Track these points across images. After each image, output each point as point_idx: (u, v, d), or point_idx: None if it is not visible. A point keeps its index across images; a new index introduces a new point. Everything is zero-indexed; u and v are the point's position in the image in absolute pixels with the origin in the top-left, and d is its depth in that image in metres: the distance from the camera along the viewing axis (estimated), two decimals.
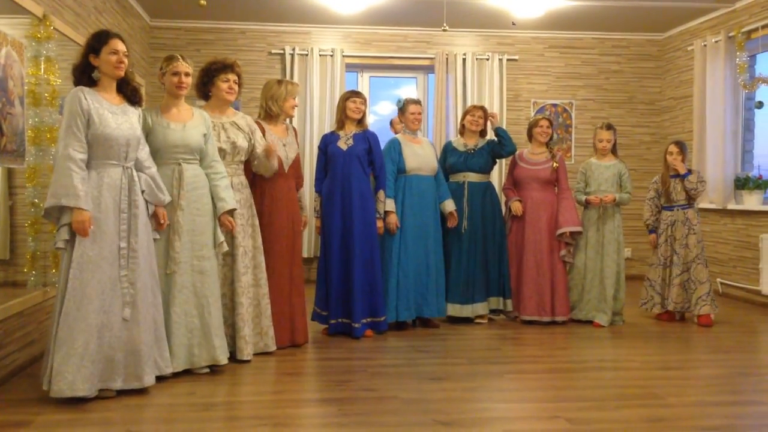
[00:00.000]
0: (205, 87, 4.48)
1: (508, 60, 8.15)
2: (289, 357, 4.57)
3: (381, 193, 5.20)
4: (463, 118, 5.88)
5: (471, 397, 3.76)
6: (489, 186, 5.78)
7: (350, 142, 5.16)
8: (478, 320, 5.66)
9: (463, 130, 5.86)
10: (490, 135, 5.89)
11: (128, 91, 3.80)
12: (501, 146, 5.72)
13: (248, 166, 4.64)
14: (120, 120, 3.67)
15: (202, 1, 5.87)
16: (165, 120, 4.11)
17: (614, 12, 7.41)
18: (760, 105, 6.81)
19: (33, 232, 4.24)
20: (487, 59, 8.06)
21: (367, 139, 5.19)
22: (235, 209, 4.27)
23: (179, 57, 4.14)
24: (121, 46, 3.69)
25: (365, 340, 5.05)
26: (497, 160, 5.92)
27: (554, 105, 8.32)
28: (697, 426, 3.30)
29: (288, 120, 5.05)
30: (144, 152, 3.86)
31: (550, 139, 5.87)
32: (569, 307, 5.69)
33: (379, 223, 5.17)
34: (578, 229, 5.63)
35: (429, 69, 8.23)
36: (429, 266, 5.39)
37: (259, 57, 7.99)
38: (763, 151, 7.14)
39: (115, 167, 3.67)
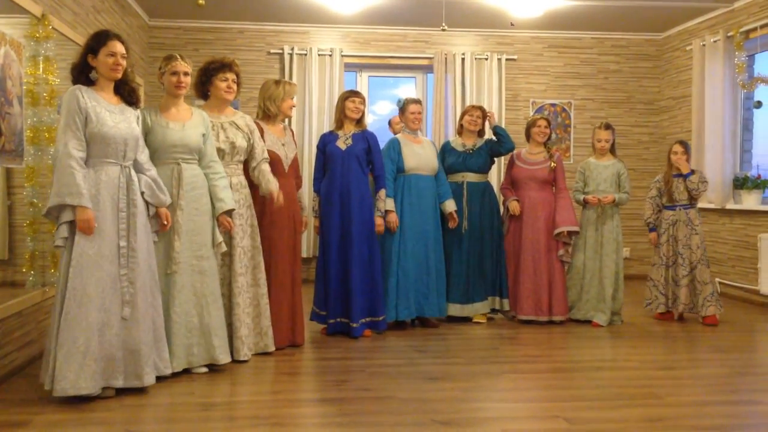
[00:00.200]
0: (204, 86, 4.48)
1: (506, 60, 8.16)
2: (288, 357, 4.57)
3: (382, 192, 5.20)
4: (461, 118, 5.89)
5: (469, 396, 3.76)
6: (488, 186, 5.78)
7: (349, 141, 5.16)
8: (477, 320, 5.66)
9: (461, 130, 5.87)
10: (489, 135, 5.89)
11: (125, 92, 3.80)
12: (499, 144, 5.72)
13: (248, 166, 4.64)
14: (118, 119, 3.67)
15: (200, 1, 5.87)
16: (164, 120, 4.10)
17: (613, 12, 7.41)
18: (759, 105, 6.81)
19: (32, 231, 4.24)
20: (486, 59, 8.06)
21: (366, 138, 5.20)
22: (233, 209, 4.27)
23: (178, 56, 4.14)
24: (119, 48, 3.68)
25: (364, 340, 5.05)
26: (495, 160, 5.93)
27: (553, 105, 8.32)
28: (695, 425, 3.31)
29: (286, 120, 5.05)
30: (144, 155, 3.86)
31: (548, 138, 5.87)
32: (567, 306, 5.70)
33: (380, 222, 5.17)
34: (575, 228, 5.63)
35: (428, 69, 8.24)
36: (429, 266, 5.40)
37: (257, 57, 7.99)
38: (761, 151, 7.14)
39: (113, 166, 3.67)
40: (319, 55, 7.89)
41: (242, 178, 4.52)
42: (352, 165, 5.12)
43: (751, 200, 6.75)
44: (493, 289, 5.71)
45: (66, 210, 3.51)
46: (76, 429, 3.24)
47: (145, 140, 3.98)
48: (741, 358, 4.68)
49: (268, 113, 4.85)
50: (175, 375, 3.96)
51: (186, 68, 4.13)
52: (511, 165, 5.90)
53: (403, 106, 5.57)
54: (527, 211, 5.69)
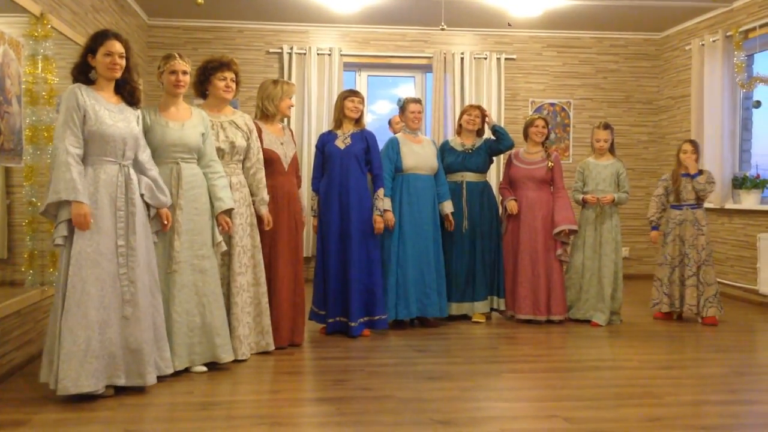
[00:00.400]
0: (202, 86, 4.48)
1: (506, 59, 8.15)
2: (287, 356, 4.57)
3: (380, 191, 5.19)
4: (460, 118, 5.89)
5: (468, 396, 3.76)
6: (486, 186, 5.79)
7: (348, 141, 5.16)
8: (476, 319, 5.66)
9: (460, 130, 5.87)
10: (488, 134, 5.89)
11: (126, 92, 3.80)
12: (499, 141, 5.72)
13: None
14: (117, 118, 3.67)
15: (199, 0, 5.86)
16: (163, 119, 4.10)
17: (612, 11, 7.41)
18: (758, 104, 6.82)
19: (30, 231, 4.24)
20: (485, 58, 8.06)
21: (365, 138, 5.20)
22: (232, 209, 4.27)
23: (177, 55, 4.13)
24: (117, 48, 3.67)
25: (363, 339, 5.05)
26: (494, 160, 5.93)
27: (552, 104, 8.32)
28: (694, 425, 3.31)
29: (285, 121, 5.05)
30: (145, 154, 3.86)
31: (546, 138, 5.87)
32: (565, 306, 5.69)
33: (379, 220, 5.16)
34: (574, 227, 5.63)
35: (427, 68, 8.23)
36: (429, 265, 5.39)
37: (257, 56, 7.99)
38: (760, 151, 7.15)
39: (112, 164, 3.67)
40: (318, 54, 7.88)
41: (242, 177, 4.52)
42: (351, 164, 5.12)
43: (750, 200, 6.76)
44: (491, 289, 5.71)
45: (64, 208, 3.51)
46: (76, 428, 3.24)
47: (145, 139, 3.97)
48: (740, 358, 4.69)
49: (266, 113, 4.85)
50: (174, 374, 3.96)
51: (185, 67, 4.13)
52: (509, 164, 5.90)
53: (403, 106, 5.57)
54: (525, 211, 5.69)
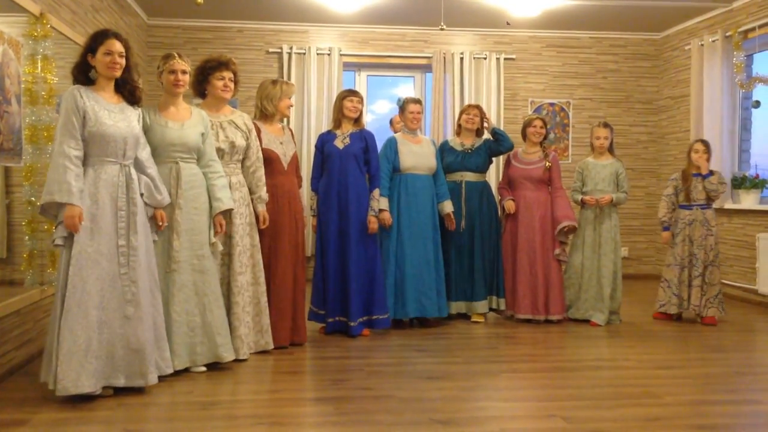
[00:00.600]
0: (201, 85, 4.48)
1: (505, 59, 8.16)
2: (287, 356, 4.57)
3: (376, 191, 5.19)
4: (459, 118, 5.90)
5: (468, 395, 3.76)
6: (486, 185, 5.79)
7: (347, 141, 5.16)
8: (475, 319, 5.67)
9: (459, 130, 5.87)
10: (488, 135, 5.89)
11: (126, 91, 3.80)
12: (498, 143, 5.73)
13: None
14: (117, 118, 3.67)
15: (198, 0, 5.86)
16: (163, 119, 4.10)
17: (611, 11, 7.42)
18: (757, 104, 6.82)
19: (30, 230, 4.23)
20: (485, 58, 8.06)
21: (364, 138, 5.20)
22: (230, 209, 4.27)
23: (176, 55, 4.13)
24: (116, 47, 3.67)
25: (362, 339, 5.05)
26: (493, 160, 5.93)
27: (551, 104, 8.33)
28: (693, 425, 3.31)
29: (284, 120, 5.05)
30: (145, 153, 3.86)
31: (545, 138, 5.88)
32: (564, 305, 5.69)
33: (373, 221, 5.15)
34: (574, 223, 5.63)
35: (426, 68, 8.23)
36: (428, 265, 5.38)
37: (256, 56, 7.99)
38: (760, 151, 7.15)
39: (113, 165, 3.67)
40: (317, 54, 7.88)
41: (241, 177, 4.52)
42: (350, 164, 5.12)
43: (749, 200, 6.76)
44: (491, 288, 5.71)
45: (63, 208, 3.51)
46: (76, 428, 3.24)
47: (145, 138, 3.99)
48: (739, 358, 4.69)
49: (265, 113, 4.85)
50: (174, 374, 3.96)
51: (184, 66, 4.13)
52: (507, 164, 5.91)
53: (402, 106, 5.57)
54: (523, 211, 5.70)
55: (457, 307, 5.64)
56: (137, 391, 3.70)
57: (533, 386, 3.99)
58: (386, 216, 5.25)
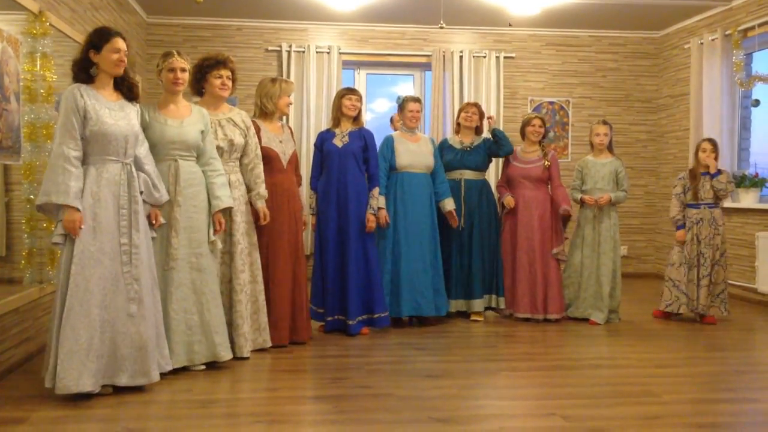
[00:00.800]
0: (199, 83, 4.47)
1: (504, 57, 8.15)
2: (286, 354, 4.57)
3: (375, 190, 5.19)
4: (458, 116, 5.90)
5: (467, 394, 3.76)
6: (485, 184, 5.79)
7: (346, 139, 5.16)
8: (474, 317, 5.67)
9: (458, 128, 5.88)
10: (487, 134, 5.89)
11: (125, 88, 3.80)
12: (498, 146, 5.73)
13: None
14: (117, 116, 3.67)
15: None
16: (162, 116, 4.10)
17: (611, 9, 7.41)
18: (757, 103, 6.82)
19: (29, 228, 4.23)
20: (484, 57, 8.06)
21: (363, 136, 5.19)
22: (230, 208, 4.27)
23: (175, 53, 4.13)
24: (122, 45, 3.68)
25: (361, 338, 5.05)
26: (493, 158, 5.93)
27: (551, 102, 8.32)
28: (692, 423, 3.31)
29: (284, 119, 5.05)
30: (143, 149, 3.86)
31: (544, 137, 5.87)
32: (563, 304, 5.69)
33: (371, 218, 5.15)
34: (569, 209, 5.63)
35: (426, 66, 8.23)
36: (425, 263, 5.37)
37: (255, 54, 7.98)
38: (759, 149, 7.15)
39: (114, 163, 3.67)
40: (317, 52, 7.88)
41: (240, 175, 4.51)
42: (349, 163, 5.12)
43: (748, 199, 6.76)
44: (490, 287, 5.70)
45: (63, 209, 3.51)
46: (75, 426, 3.24)
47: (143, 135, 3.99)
48: (738, 356, 4.69)
49: (265, 111, 4.84)
50: (173, 372, 3.96)
51: (183, 64, 4.12)
52: (506, 163, 5.91)
53: (402, 104, 5.57)
54: (522, 210, 5.70)
55: (456, 305, 5.64)
56: (136, 389, 3.70)
57: (532, 385, 3.99)
58: (383, 214, 5.25)
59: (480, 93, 8.02)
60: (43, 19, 4.34)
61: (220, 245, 4.26)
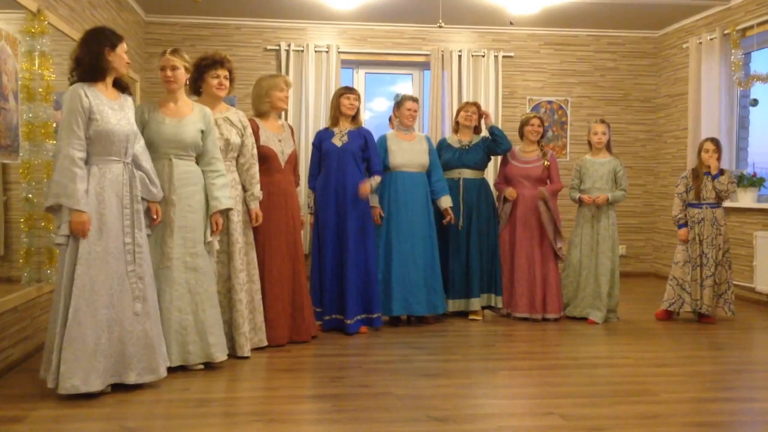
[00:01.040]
0: (196, 83, 4.47)
1: (503, 57, 8.15)
2: (284, 353, 4.57)
3: (376, 178, 5.20)
4: (457, 115, 5.90)
5: (465, 393, 3.76)
6: (484, 183, 5.79)
7: (345, 138, 5.16)
8: (472, 317, 5.67)
9: (457, 127, 5.88)
10: (485, 133, 5.89)
11: (122, 84, 3.81)
12: (496, 144, 5.73)
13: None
14: (119, 116, 3.68)
15: None
16: (161, 115, 4.11)
17: (610, 9, 7.41)
18: (755, 103, 6.83)
19: (27, 228, 4.23)
20: (483, 56, 8.06)
21: (362, 135, 5.20)
22: (228, 209, 4.24)
23: (168, 51, 4.15)
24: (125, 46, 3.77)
25: (360, 337, 5.05)
26: (491, 157, 5.93)
27: (550, 102, 8.32)
28: (691, 422, 3.31)
29: (283, 117, 5.04)
30: (139, 146, 3.86)
31: (542, 137, 5.88)
32: (561, 304, 5.70)
33: (366, 185, 5.15)
34: (546, 197, 5.64)
35: (425, 65, 8.23)
36: (417, 263, 5.35)
37: (254, 53, 7.97)
38: (757, 149, 7.16)
39: (117, 163, 3.67)
40: (315, 51, 7.87)
41: (236, 175, 4.51)
42: (348, 162, 5.12)
43: (746, 198, 6.76)
44: (488, 286, 5.70)
45: (66, 210, 3.50)
46: (73, 425, 3.24)
47: (142, 135, 3.99)
48: (737, 356, 4.69)
49: (261, 108, 4.85)
50: (171, 371, 3.95)
51: (173, 63, 4.11)
52: (504, 163, 5.91)
53: (399, 102, 5.57)
54: (521, 210, 5.71)
55: (454, 304, 5.64)
56: (134, 387, 3.70)
57: (531, 384, 3.99)
58: (376, 212, 5.26)
59: (478, 92, 8.01)
60: (42, 17, 4.34)
61: (216, 246, 4.25)
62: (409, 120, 5.53)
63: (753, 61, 7.10)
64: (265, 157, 4.69)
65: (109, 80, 3.72)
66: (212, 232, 4.18)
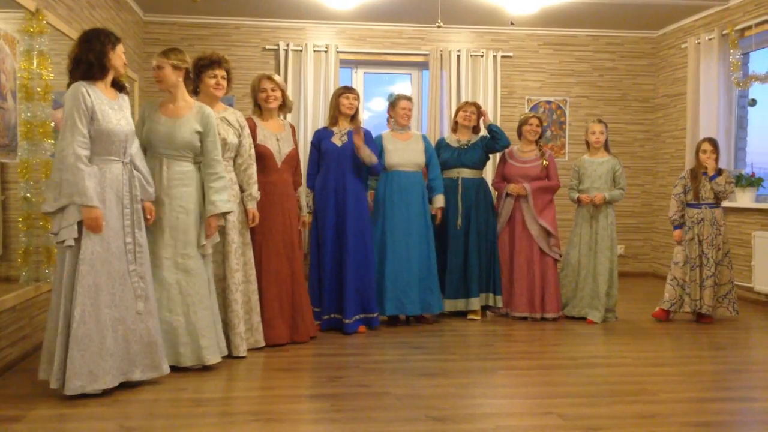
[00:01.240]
0: (194, 83, 4.46)
1: (502, 57, 8.15)
2: (282, 353, 4.56)
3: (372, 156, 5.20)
4: (455, 115, 5.91)
5: (464, 393, 3.76)
6: (482, 182, 5.79)
7: (344, 138, 5.16)
8: (471, 316, 5.67)
9: (456, 127, 5.88)
10: (484, 132, 5.89)
11: (119, 83, 3.81)
12: (495, 141, 5.73)
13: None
14: (119, 116, 3.68)
15: None
16: (159, 115, 4.12)
17: (608, 9, 7.41)
18: (753, 103, 6.83)
19: (25, 227, 4.22)
20: (482, 56, 8.06)
21: (362, 136, 5.19)
22: (225, 212, 4.18)
23: (158, 53, 4.15)
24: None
25: (358, 336, 5.05)
26: (490, 156, 5.94)
27: (548, 102, 8.33)
28: (689, 422, 3.32)
29: (283, 116, 5.03)
30: (134, 146, 3.85)
31: (540, 137, 5.88)
32: (560, 304, 5.70)
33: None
34: (524, 193, 5.66)
35: (423, 65, 8.23)
36: (411, 262, 5.34)
37: (253, 52, 7.97)
38: (755, 149, 7.17)
39: (116, 163, 3.67)
40: (314, 51, 7.87)
41: (233, 175, 4.49)
42: (348, 162, 5.12)
43: (745, 198, 6.77)
44: (487, 286, 5.70)
45: (72, 210, 3.49)
46: (71, 424, 3.24)
47: (139, 134, 4.00)
48: (735, 355, 4.70)
49: (259, 108, 4.86)
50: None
51: (158, 62, 4.12)
52: (503, 162, 5.91)
53: (393, 102, 5.57)
54: (520, 209, 5.71)
55: (453, 304, 5.64)
56: (131, 387, 3.71)
57: (529, 383, 3.99)
58: (370, 197, 5.32)
59: (477, 92, 8.01)
60: (40, 17, 4.33)
61: (209, 250, 4.21)
62: (404, 119, 5.53)
63: (751, 62, 7.11)
64: (261, 156, 4.68)
65: (109, 80, 3.72)
66: (207, 236, 4.14)
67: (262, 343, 4.57)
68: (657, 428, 3.23)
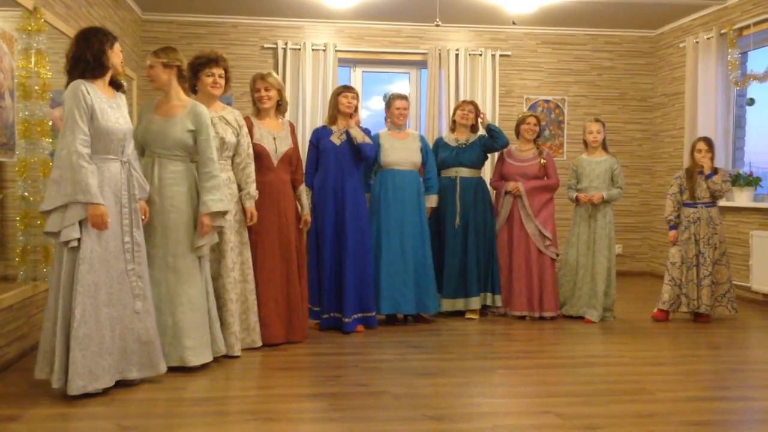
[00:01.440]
0: (191, 82, 4.45)
1: (500, 56, 8.15)
2: (280, 352, 4.56)
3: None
4: (453, 114, 5.91)
5: (462, 392, 3.76)
6: (481, 181, 5.79)
7: (343, 137, 5.15)
8: (469, 315, 5.67)
9: (454, 126, 5.88)
10: (482, 131, 5.89)
11: (116, 82, 3.81)
12: (494, 140, 5.72)
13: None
14: (117, 114, 3.68)
15: None
16: (153, 113, 4.12)
17: (607, 8, 7.42)
18: (752, 102, 6.83)
19: (23, 226, 4.22)
20: (480, 55, 8.06)
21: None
22: (219, 212, 4.13)
23: (153, 52, 4.15)
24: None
25: (357, 335, 5.05)
26: (488, 155, 5.94)
27: (546, 101, 8.33)
28: (687, 421, 3.32)
29: (282, 116, 5.02)
30: (130, 146, 3.84)
31: (538, 136, 5.89)
32: (558, 303, 5.71)
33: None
34: (519, 192, 5.68)
35: (422, 64, 8.22)
36: (406, 261, 5.33)
37: (251, 51, 7.96)
38: (754, 148, 7.17)
39: (114, 162, 3.67)
40: (312, 50, 7.87)
41: (231, 174, 4.48)
42: (347, 160, 5.12)
43: (743, 197, 6.77)
44: (485, 285, 5.70)
45: (75, 208, 3.48)
46: (69, 423, 3.24)
47: (137, 134, 4.00)
48: (732, 355, 4.71)
49: (257, 108, 4.86)
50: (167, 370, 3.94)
51: (152, 61, 4.12)
52: (501, 161, 5.92)
53: (388, 101, 5.57)
54: (518, 209, 5.71)
55: (452, 304, 5.64)
56: (129, 386, 3.71)
57: (527, 383, 4.00)
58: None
59: (476, 91, 8.01)
60: (38, 15, 4.33)
61: (206, 252, 4.18)
62: (399, 119, 5.53)
63: (749, 61, 7.11)
64: (257, 156, 4.65)
65: (107, 78, 3.71)
66: (200, 235, 4.09)
67: (259, 343, 4.56)
68: (655, 427, 3.23)
